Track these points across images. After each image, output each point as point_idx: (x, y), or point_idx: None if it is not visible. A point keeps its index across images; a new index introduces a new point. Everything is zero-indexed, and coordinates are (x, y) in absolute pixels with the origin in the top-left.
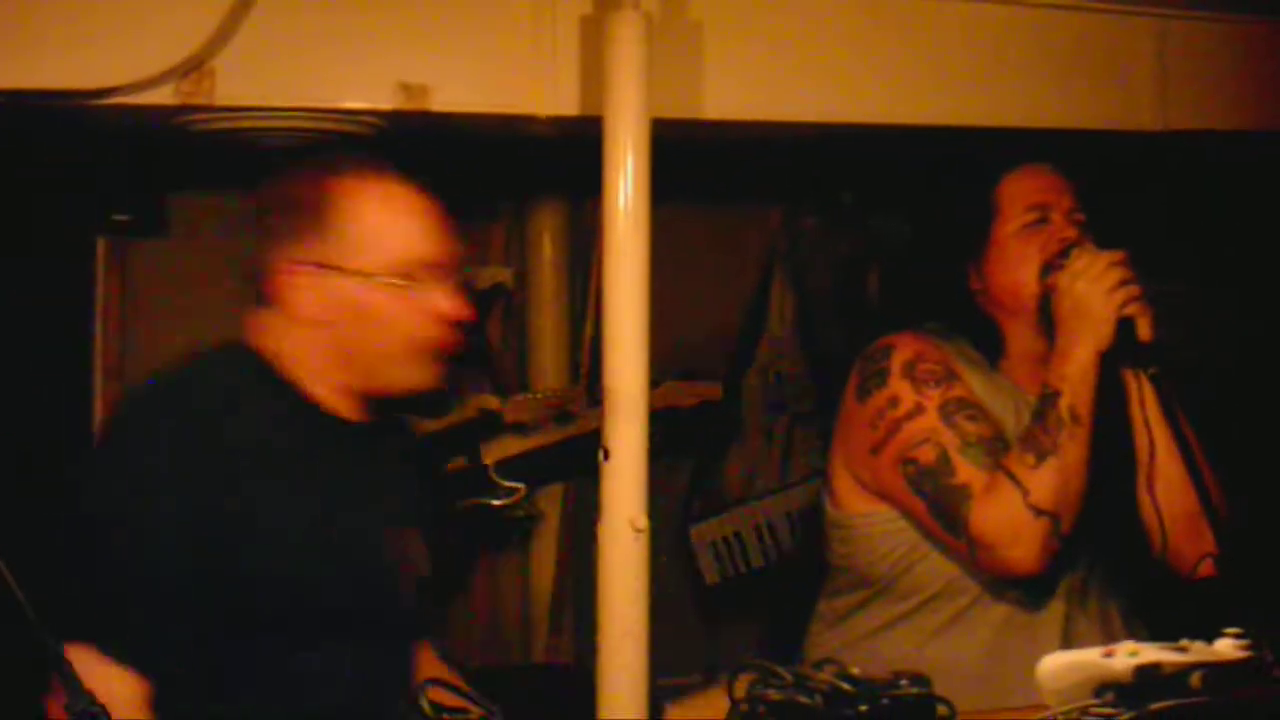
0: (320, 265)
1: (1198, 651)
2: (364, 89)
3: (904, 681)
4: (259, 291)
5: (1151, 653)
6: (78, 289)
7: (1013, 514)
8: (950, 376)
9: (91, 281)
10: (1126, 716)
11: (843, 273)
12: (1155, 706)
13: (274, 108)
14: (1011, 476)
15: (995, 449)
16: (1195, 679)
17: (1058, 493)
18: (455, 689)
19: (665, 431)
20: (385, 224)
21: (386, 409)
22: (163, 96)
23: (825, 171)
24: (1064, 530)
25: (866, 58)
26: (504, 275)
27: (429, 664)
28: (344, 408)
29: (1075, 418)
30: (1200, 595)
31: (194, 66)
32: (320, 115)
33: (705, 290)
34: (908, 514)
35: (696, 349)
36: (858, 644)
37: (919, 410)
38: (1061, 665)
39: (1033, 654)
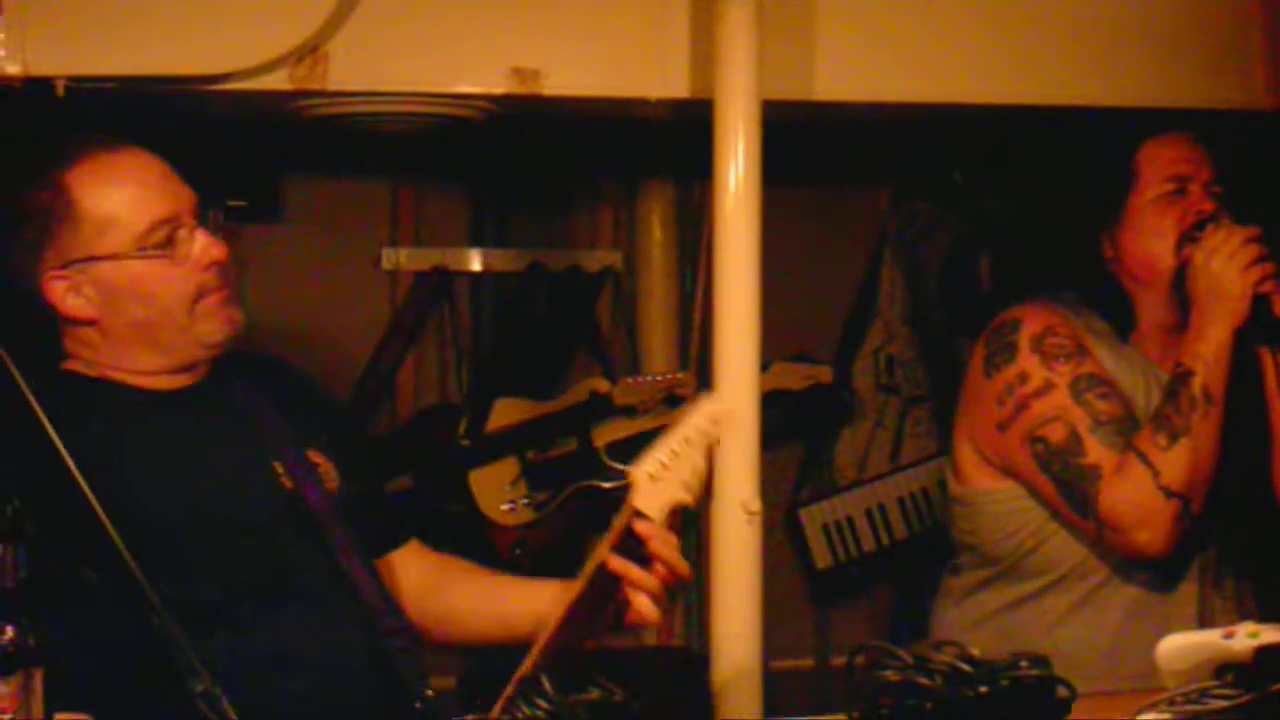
0: (74, 262)
1: None
2: (476, 73)
3: (1024, 663)
4: (36, 305)
5: (1272, 634)
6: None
7: (1143, 496)
8: (1080, 351)
9: None
10: (1246, 698)
11: (954, 254)
12: (1276, 688)
13: (387, 92)
14: (1143, 457)
15: (1125, 428)
16: None
17: (1189, 474)
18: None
19: (776, 414)
20: (117, 198)
21: (226, 364)
22: (277, 82)
23: (936, 152)
24: (1194, 511)
25: (976, 37)
26: (613, 259)
27: (424, 565)
28: (171, 382)
29: (1209, 397)
30: None
31: (308, 51)
32: (432, 100)
33: (815, 272)
34: (1035, 492)
35: (807, 331)
36: (984, 623)
37: (1049, 387)
38: (1181, 646)
39: (1165, 635)
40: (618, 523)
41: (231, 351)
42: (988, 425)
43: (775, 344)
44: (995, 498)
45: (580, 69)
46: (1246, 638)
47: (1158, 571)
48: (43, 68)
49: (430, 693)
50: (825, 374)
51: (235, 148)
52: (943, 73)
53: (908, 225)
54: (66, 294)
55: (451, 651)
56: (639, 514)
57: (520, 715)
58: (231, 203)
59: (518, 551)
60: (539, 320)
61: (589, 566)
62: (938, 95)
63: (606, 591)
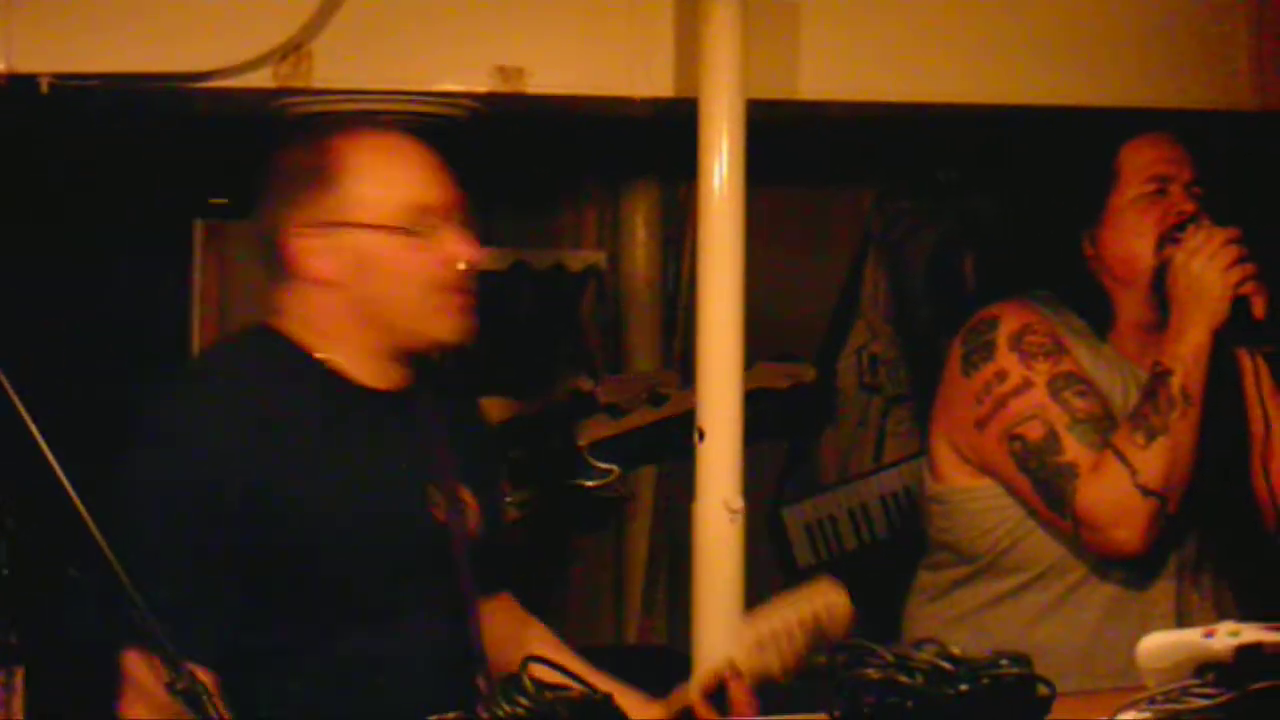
0: (328, 223)
1: None
2: (460, 72)
3: (1005, 661)
4: (273, 267)
5: (1253, 633)
6: (176, 271)
7: (1120, 494)
8: (1059, 349)
9: (189, 264)
10: (1227, 697)
11: (938, 254)
12: (1255, 687)
13: (371, 90)
14: (1120, 456)
15: (1103, 426)
16: None
17: (1167, 473)
18: (559, 668)
19: (759, 413)
20: (386, 174)
21: (422, 373)
22: (261, 80)
23: (920, 152)
24: (1171, 510)
25: (961, 37)
26: (597, 258)
27: (507, 618)
28: (374, 375)
29: (1187, 397)
30: None
31: (292, 50)
32: (416, 98)
33: (799, 271)
34: (1012, 491)
35: (790, 331)
36: (961, 621)
37: (1027, 385)
38: (1161, 645)
39: (1143, 633)
40: (715, 669)
41: (435, 365)
42: (965, 423)
43: (758, 343)
44: (972, 495)
45: (565, 68)
46: (1227, 636)
47: (1135, 570)
48: (27, 65)
49: None
50: (808, 373)
51: (219, 146)
52: (927, 72)
53: (892, 225)
54: (310, 252)
55: None
56: (735, 670)
57: (501, 713)
58: (214, 201)
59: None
60: (522, 319)
61: (674, 702)
62: (922, 95)
63: None
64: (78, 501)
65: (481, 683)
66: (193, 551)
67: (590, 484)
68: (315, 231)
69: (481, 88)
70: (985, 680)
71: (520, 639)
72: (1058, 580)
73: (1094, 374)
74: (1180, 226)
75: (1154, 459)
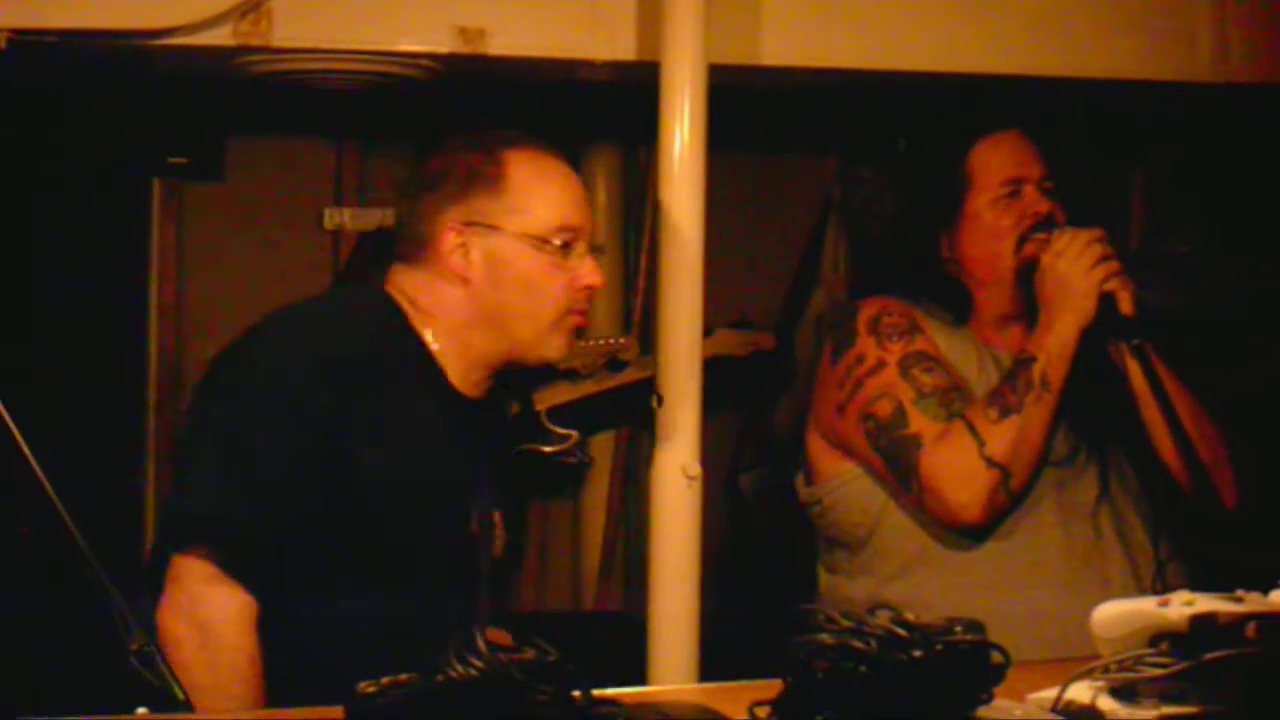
0: (483, 225)
1: (1253, 602)
2: (421, 32)
3: (959, 627)
4: (404, 248)
5: (1207, 602)
6: (134, 230)
7: (965, 462)
8: (913, 329)
9: (148, 223)
10: (1181, 666)
11: (897, 223)
12: (1210, 656)
13: (331, 50)
14: (970, 427)
15: (950, 399)
16: (1251, 629)
17: (1013, 448)
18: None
19: (718, 380)
20: (545, 190)
21: (501, 390)
22: (220, 37)
23: (882, 120)
24: (1013, 487)
25: (924, 5)
26: None
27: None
28: (463, 379)
29: (1045, 384)
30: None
31: (252, 7)
32: (377, 58)
33: (759, 238)
34: (870, 470)
35: (749, 298)
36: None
37: (880, 366)
38: (1115, 614)
39: (1036, 581)
40: None
41: (505, 385)
42: (830, 410)
43: (718, 310)
44: (842, 480)
45: (526, 29)
46: (1182, 606)
47: (1016, 529)
48: None
49: None
50: (767, 340)
51: (178, 104)
52: (890, 40)
53: (852, 193)
54: (458, 247)
55: None
56: None
57: (455, 674)
58: (173, 160)
59: None
60: None
61: None
62: (884, 62)
63: None
64: (33, 461)
65: None
66: (268, 472)
67: (549, 449)
68: (471, 230)
69: (442, 48)
70: (939, 646)
71: None
72: (936, 551)
73: (949, 353)
74: (1036, 227)
75: (1003, 433)
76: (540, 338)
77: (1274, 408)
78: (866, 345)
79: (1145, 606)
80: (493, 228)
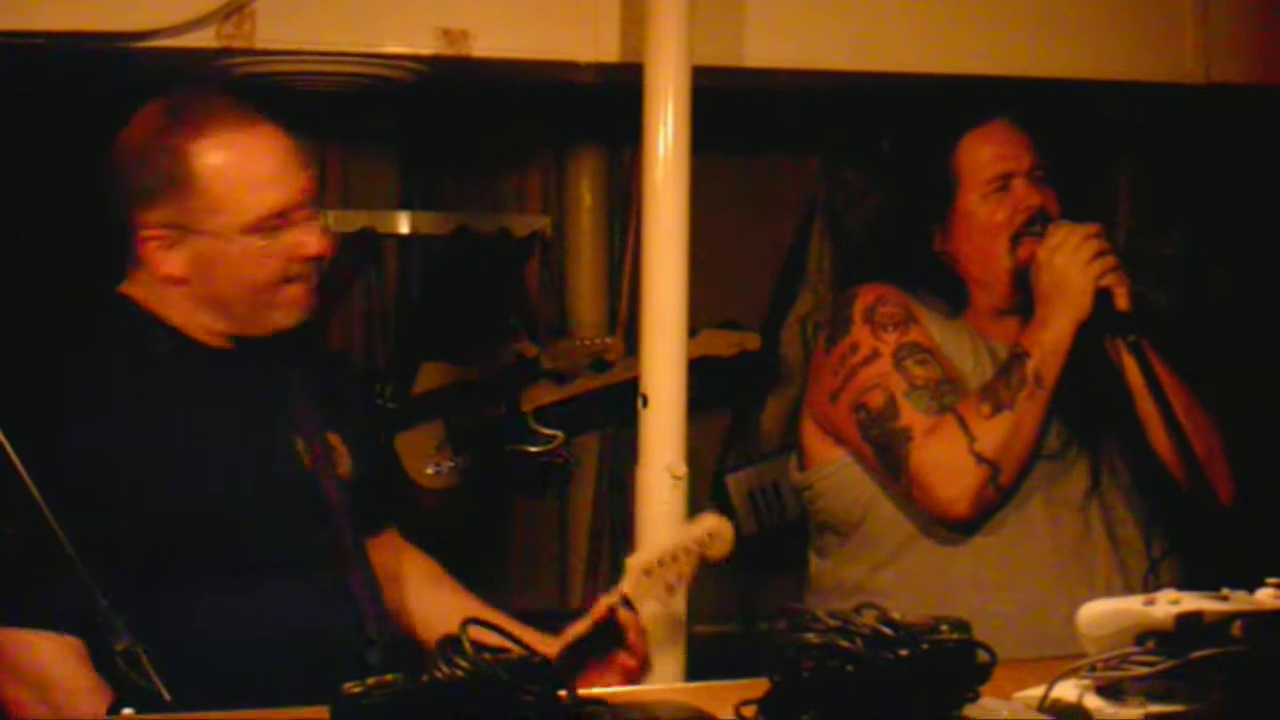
0: (176, 227)
1: (1239, 600)
2: (405, 34)
3: (945, 626)
4: (121, 246)
5: (1193, 601)
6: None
7: (954, 457)
8: (908, 320)
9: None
10: (1167, 664)
11: (881, 223)
12: (1196, 655)
13: (314, 52)
14: (961, 421)
15: (942, 392)
16: (1236, 628)
17: (1004, 444)
18: (498, 630)
19: (703, 380)
20: (239, 181)
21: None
22: (203, 39)
23: (865, 121)
24: (1003, 483)
25: (906, 7)
26: (542, 223)
27: (388, 555)
28: (223, 340)
29: (1039, 380)
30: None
31: (235, 10)
32: (360, 60)
33: (744, 239)
34: (860, 459)
35: (735, 298)
36: (854, 595)
37: (875, 356)
38: (1101, 613)
39: (1020, 576)
40: (604, 600)
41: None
42: (823, 397)
43: (703, 310)
44: (834, 467)
45: (510, 31)
46: (1168, 604)
47: (1006, 523)
48: None
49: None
50: (753, 341)
51: None
52: (874, 41)
53: (836, 193)
54: (159, 251)
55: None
56: (626, 600)
57: (440, 674)
58: None
59: (441, 515)
60: (466, 284)
61: (566, 635)
62: (868, 63)
63: (577, 660)
64: (18, 463)
65: (370, 627)
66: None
67: (534, 450)
68: (165, 233)
69: (426, 50)
70: (925, 645)
71: (403, 576)
72: (926, 542)
73: (943, 344)
74: (1031, 222)
75: (994, 429)
76: (262, 315)
77: (1262, 406)
78: (861, 334)
79: (1131, 605)
80: (190, 229)
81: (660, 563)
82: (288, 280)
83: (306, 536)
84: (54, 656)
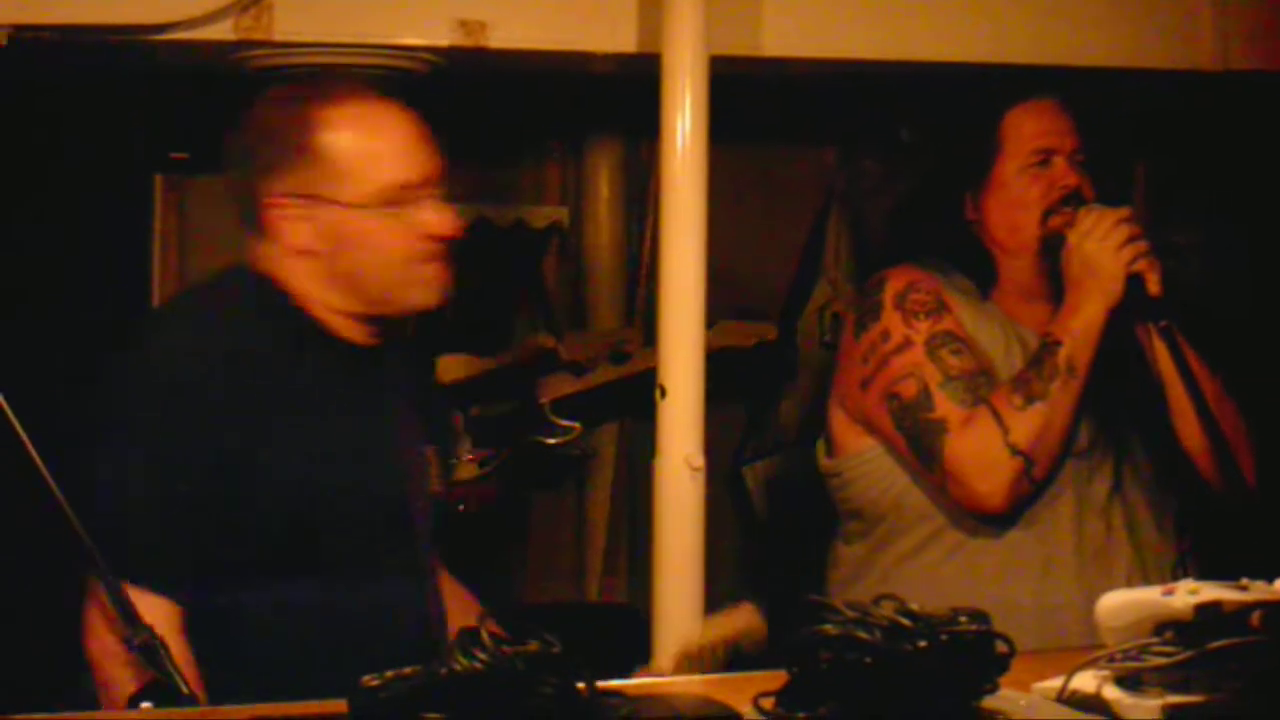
0: (306, 197)
1: (1258, 590)
2: (422, 25)
3: (963, 618)
4: (249, 223)
5: (1211, 591)
6: (136, 225)
7: (989, 449)
8: (940, 308)
9: (149, 218)
10: (1186, 655)
11: (899, 213)
12: (1214, 645)
13: (332, 44)
14: (995, 413)
15: (977, 384)
16: (1255, 618)
17: (1038, 436)
18: (518, 623)
19: (720, 371)
20: (367, 152)
21: (394, 331)
22: (221, 32)
23: (884, 110)
24: (1036, 475)
25: None
26: (560, 214)
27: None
28: (350, 330)
29: (1071, 369)
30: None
31: (253, 2)
32: (378, 52)
33: (761, 230)
34: (892, 449)
35: (752, 289)
36: (879, 585)
37: (907, 344)
38: (1119, 603)
39: (1050, 574)
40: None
41: (401, 325)
42: (853, 384)
43: (720, 301)
44: (864, 458)
45: (527, 22)
46: (1186, 594)
47: (1035, 519)
48: None
49: None
50: (770, 331)
51: (179, 99)
52: (890, 29)
53: (854, 183)
54: (286, 221)
55: None
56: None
57: (459, 667)
58: (174, 155)
59: (460, 508)
60: (484, 276)
61: None
62: (885, 52)
63: None
64: (36, 457)
65: (438, 640)
66: (165, 485)
67: (552, 441)
68: (293, 203)
69: (443, 41)
70: (944, 636)
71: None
72: (953, 533)
73: (975, 332)
74: (1065, 200)
75: (1027, 421)
76: (395, 294)
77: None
78: (892, 321)
79: (1150, 595)
80: (318, 199)
81: (700, 651)
82: (419, 260)
83: (396, 547)
84: (156, 620)
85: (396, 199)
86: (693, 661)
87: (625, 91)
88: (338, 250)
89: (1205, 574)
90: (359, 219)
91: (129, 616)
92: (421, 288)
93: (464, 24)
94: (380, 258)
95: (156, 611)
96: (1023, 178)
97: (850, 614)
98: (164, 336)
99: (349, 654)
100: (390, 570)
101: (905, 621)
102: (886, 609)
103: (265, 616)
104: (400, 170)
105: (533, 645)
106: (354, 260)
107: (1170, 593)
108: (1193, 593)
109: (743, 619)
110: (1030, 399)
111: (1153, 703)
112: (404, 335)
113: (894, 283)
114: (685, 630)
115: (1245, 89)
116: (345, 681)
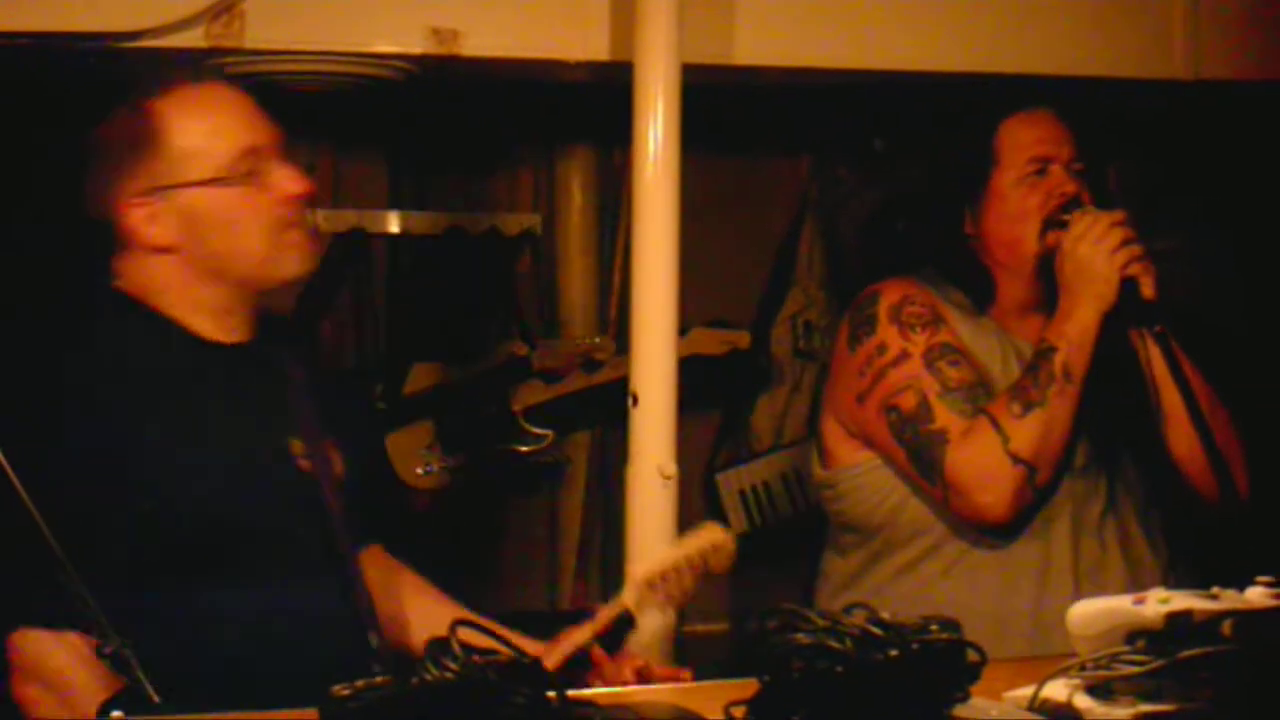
0: (159, 189)
1: (1229, 599)
2: (395, 33)
3: (934, 626)
4: (107, 242)
5: (1182, 599)
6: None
7: (990, 459)
8: (936, 320)
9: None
10: (1157, 664)
11: (872, 222)
12: (1185, 654)
13: (304, 51)
14: (994, 423)
15: (975, 394)
16: (1226, 627)
17: (1038, 444)
18: (488, 632)
19: (693, 379)
20: (207, 128)
21: (270, 325)
22: (193, 39)
23: (857, 119)
24: (1039, 482)
25: (898, 3)
26: (532, 222)
27: (379, 570)
28: (219, 331)
29: (1068, 375)
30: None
31: (224, 9)
32: (350, 59)
33: (734, 238)
34: (890, 461)
35: (725, 297)
36: (872, 597)
37: (904, 356)
38: (1091, 612)
39: (1043, 590)
40: (606, 612)
41: (278, 317)
42: (849, 397)
43: (693, 309)
44: (860, 470)
45: (500, 30)
46: (1157, 603)
47: (1027, 530)
48: None
49: None
50: (743, 339)
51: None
52: (864, 38)
53: (828, 192)
54: (144, 221)
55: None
56: (628, 612)
57: (430, 676)
58: None
59: (431, 516)
60: (457, 283)
61: (567, 645)
62: (859, 61)
63: (579, 666)
64: (4, 463)
65: (373, 638)
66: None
67: (524, 449)
68: (147, 199)
69: (416, 49)
70: (915, 645)
71: (393, 588)
72: (950, 547)
73: (972, 344)
74: (1064, 209)
75: (1027, 429)
76: (266, 268)
77: (1264, 401)
78: (889, 334)
79: (1121, 604)
80: (168, 186)
81: (663, 576)
82: (282, 227)
83: (306, 542)
84: (67, 656)
85: (246, 167)
86: (662, 583)
87: (598, 100)
88: (199, 236)
89: (1193, 585)
90: (213, 195)
91: (100, 627)
92: (288, 256)
93: (437, 32)
94: (242, 231)
95: (67, 648)
96: (1020, 188)
97: (822, 623)
98: (19, 367)
99: (274, 658)
100: (303, 569)
101: (876, 630)
102: (858, 618)
103: (182, 634)
104: (243, 136)
105: (504, 654)
106: (217, 242)
107: (1141, 601)
108: (1163, 601)
109: (709, 537)
110: (1028, 406)
111: (1124, 711)
112: (277, 327)
113: (888, 296)
114: (652, 556)
115: (1217, 97)
116: (276, 686)
